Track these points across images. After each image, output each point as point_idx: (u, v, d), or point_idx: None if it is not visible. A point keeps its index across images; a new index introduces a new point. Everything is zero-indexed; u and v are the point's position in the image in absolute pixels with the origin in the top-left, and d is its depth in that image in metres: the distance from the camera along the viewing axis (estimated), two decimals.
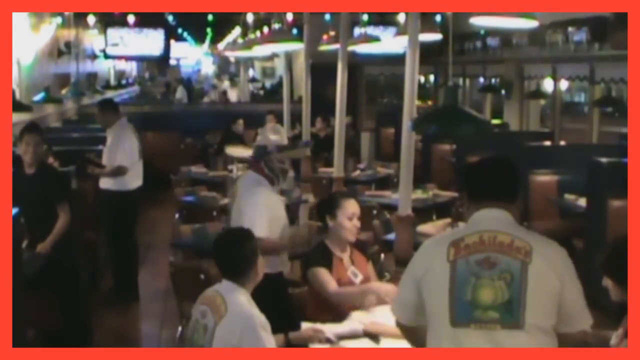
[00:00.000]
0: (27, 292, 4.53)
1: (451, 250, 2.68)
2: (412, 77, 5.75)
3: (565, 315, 2.68)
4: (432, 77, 17.01)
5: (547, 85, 11.76)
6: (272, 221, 4.58)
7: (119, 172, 7.34)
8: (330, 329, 3.91)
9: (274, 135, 4.82)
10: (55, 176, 5.90)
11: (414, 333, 2.92)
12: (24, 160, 5.66)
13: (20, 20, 8.74)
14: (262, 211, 4.50)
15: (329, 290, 4.24)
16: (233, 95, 21.94)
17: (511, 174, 2.87)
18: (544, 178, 8.40)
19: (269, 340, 3.46)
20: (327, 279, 4.28)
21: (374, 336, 3.87)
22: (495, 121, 12.49)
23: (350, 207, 4.43)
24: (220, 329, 3.40)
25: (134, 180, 7.49)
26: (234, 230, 4.09)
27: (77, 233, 5.90)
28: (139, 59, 23.34)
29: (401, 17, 9.92)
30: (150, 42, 15.33)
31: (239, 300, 3.48)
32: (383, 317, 4.00)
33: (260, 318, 3.46)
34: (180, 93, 23.00)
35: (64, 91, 11.71)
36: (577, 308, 2.71)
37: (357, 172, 9.81)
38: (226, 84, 25.40)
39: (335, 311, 4.18)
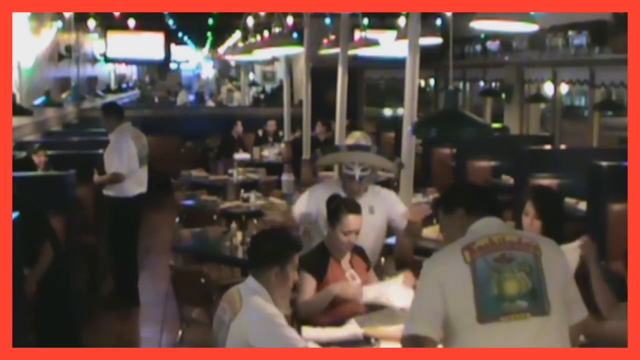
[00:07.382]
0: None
1: (466, 253, 2.77)
2: (413, 81, 5.75)
3: (567, 306, 2.80)
4: (432, 81, 17.02)
5: (548, 89, 11.76)
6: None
7: (114, 179, 7.32)
8: (330, 333, 3.89)
9: None
10: (32, 215, 4.90)
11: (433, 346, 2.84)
12: None
13: (21, 24, 8.74)
14: None
15: (300, 302, 4.22)
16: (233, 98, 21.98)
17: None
18: (544, 182, 8.36)
19: (289, 330, 3.44)
20: (305, 288, 4.23)
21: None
22: (495, 125, 12.49)
23: (349, 225, 4.36)
24: (234, 325, 3.39)
25: (135, 187, 7.46)
26: (274, 229, 4.39)
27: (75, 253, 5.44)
28: (140, 63, 23.40)
29: (401, 21, 9.92)
30: (151, 46, 15.39)
31: (255, 299, 3.45)
32: (382, 320, 4.00)
33: (274, 311, 3.43)
34: (183, 96, 23.00)
35: (64, 95, 11.70)
36: (576, 301, 2.88)
37: None
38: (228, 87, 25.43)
39: (336, 315, 4.15)
